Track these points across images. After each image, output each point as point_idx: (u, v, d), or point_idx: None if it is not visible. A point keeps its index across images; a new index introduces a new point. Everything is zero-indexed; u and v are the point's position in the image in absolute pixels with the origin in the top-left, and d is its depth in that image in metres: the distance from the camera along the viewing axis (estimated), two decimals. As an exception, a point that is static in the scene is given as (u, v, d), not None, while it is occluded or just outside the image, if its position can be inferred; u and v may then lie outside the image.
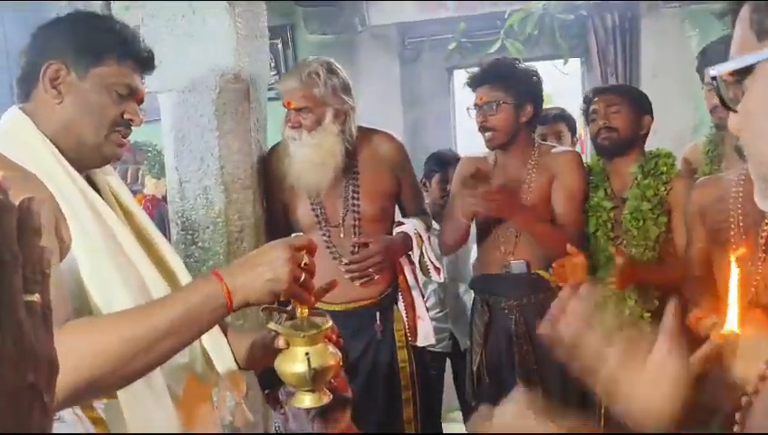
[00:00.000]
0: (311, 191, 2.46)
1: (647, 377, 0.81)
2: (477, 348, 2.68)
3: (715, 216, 2.06)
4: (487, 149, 2.74)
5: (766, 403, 0.75)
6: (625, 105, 2.60)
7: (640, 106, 2.63)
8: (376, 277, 2.46)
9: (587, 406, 2.57)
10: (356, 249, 2.46)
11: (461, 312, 3.38)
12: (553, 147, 2.78)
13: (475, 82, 2.64)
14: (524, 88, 2.61)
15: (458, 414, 3.63)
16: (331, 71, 2.39)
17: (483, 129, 2.62)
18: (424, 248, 2.56)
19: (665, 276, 2.44)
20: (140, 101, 1.41)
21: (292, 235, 1.26)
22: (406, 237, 2.53)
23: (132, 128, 1.40)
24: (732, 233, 2.00)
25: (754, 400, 0.76)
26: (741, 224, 1.98)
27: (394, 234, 2.55)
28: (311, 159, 2.38)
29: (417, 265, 2.59)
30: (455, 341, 3.49)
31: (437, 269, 2.61)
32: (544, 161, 2.65)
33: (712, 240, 2.09)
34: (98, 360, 1.06)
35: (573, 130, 3.52)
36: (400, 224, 2.58)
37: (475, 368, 2.68)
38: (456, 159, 3.19)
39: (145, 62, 1.40)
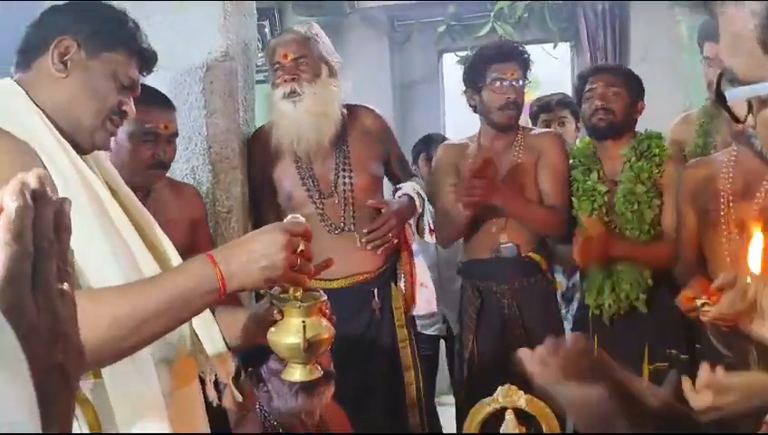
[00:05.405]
0: (311, 149, 2.39)
1: None
2: (469, 334, 2.65)
3: (706, 197, 2.07)
4: (469, 135, 2.75)
5: None
6: (623, 88, 2.57)
7: (636, 90, 2.61)
8: (395, 241, 2.44)
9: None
10: (345, 219, 2.43)
11: (453, 296, 3.37)
12: (533, 129, 2.83)
13: (501, 57, 2.63)
14: (528, 73, 2.68)
15: (449, 398, 3.60)
16: (323, 32, 2.46)
17: (512, 105, 2.60)
18: (425, 208, 2.57)
19: (650, 254, 2.45)
20: (135, 98, 1.44)
21: (288, 216, 1.25)
22: (410, 199, 2.53)
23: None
24: (722, 214, 2.00)
25: None
26: (731, 204, 1.99)
27: (395, 198, 2.55)
28: (313, 109, 2.33)
29: (414, 226, 2.60)
30: (448, 324, 3.48)
31: (432, 230, 2.63)
32: (528, 142, 2.66)
33: (702, 221, 2.10)
34: (84, 336, 1.04)
35: (577, 117, 3.45)
36: (399, 189, 2.58)
37: (467, 354, 2.65)
38: (443, 139, 3.17)
39: (148, 62, 1.44)
